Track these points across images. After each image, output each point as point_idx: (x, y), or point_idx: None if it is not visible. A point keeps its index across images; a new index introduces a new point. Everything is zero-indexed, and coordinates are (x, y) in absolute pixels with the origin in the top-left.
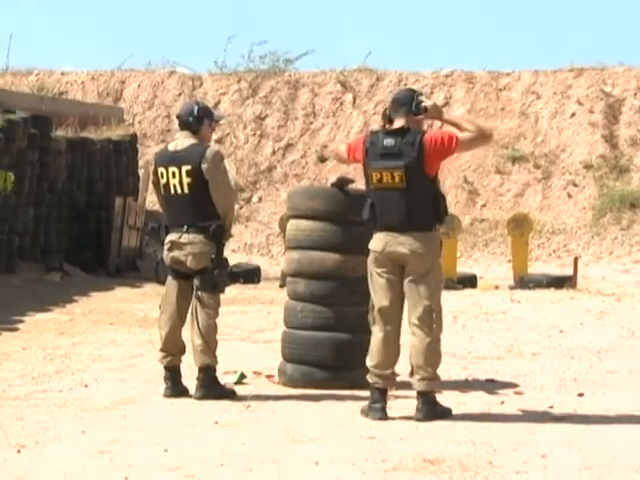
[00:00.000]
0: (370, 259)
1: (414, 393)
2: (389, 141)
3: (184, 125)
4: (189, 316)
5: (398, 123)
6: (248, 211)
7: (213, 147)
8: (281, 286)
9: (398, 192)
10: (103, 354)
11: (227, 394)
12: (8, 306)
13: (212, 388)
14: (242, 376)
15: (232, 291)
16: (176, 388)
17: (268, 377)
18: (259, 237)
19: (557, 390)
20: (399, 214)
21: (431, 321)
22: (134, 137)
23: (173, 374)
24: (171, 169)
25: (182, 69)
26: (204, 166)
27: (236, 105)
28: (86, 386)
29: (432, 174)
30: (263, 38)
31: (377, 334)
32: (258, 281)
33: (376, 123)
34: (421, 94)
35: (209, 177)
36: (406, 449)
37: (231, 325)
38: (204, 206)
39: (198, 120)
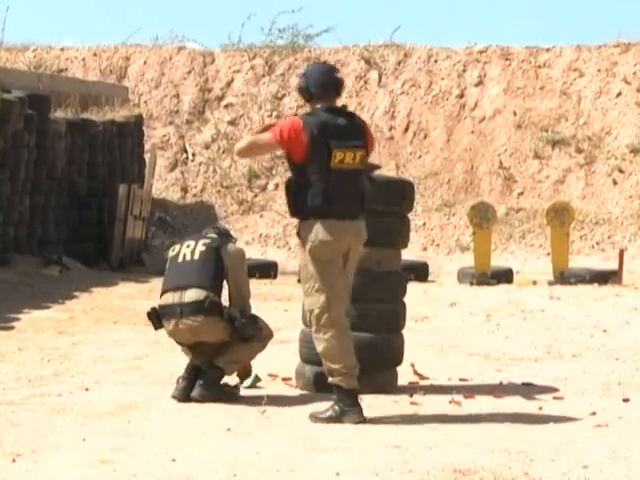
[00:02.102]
0: (330, 251)
1: (441, 399)
2: (341, 120)
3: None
4: None
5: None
6: (263, 199)
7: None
8: (299, 281)
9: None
10: (105, 355)
11: (228, 396)
12: (3, 303)
13: (212, 388)
14: (256, 379)
15: None
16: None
17: (285, 380)
18: (275, 228)
19: (600, 395)
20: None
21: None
22: (139, 118)
23: None
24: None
25: (192, 44)
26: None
27: (250, 84)
28: (87, 390)
29: None
30: (288, 9)
31: (343, 333)
32: (275, 276)
33: (403, 103)
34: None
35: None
36: (435, 458)
37: None
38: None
39: None
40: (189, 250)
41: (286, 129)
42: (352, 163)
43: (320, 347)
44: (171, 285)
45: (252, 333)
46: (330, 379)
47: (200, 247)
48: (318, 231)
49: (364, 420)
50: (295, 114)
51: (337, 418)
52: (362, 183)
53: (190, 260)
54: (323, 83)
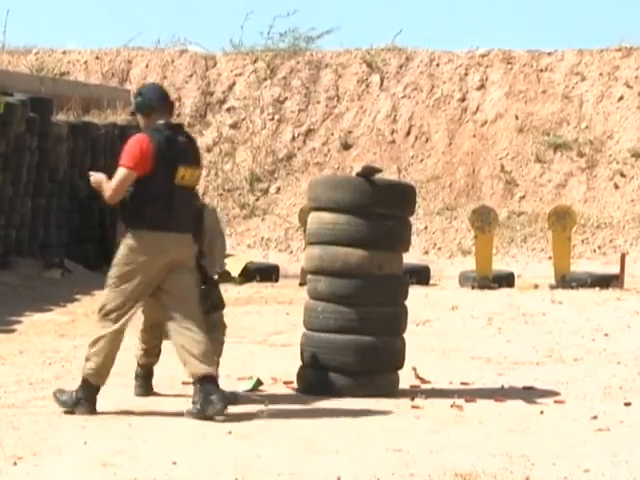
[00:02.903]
0: (159, 265)
1: (443, 402)
2: (182, 138)
3: None
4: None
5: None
6: (265, 203)
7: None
8: (301, 284)
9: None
10: None
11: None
12: (4, 306)
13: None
14: (258, 382)
15: (248, 290)
16: None
17: (286, 383)
18: (277, 231)
19: (602, 399)
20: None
21: None
22: None
23: None
24: None
25: (194, 48)
26: None
27: (253, 87)
28: None
29: None
30: (284, 13)
31: (118, 338)
32: (276, 279)
33: (405, 107)
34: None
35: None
36: (436, 462)
37: (246, 327)
38: None
39: None
40: None
41: (135, 152)
42: (191, 180)
43: (96, 335)
44: None
45: (217, 302)
46: (84, 366)
47: None
48: (148, 241)
49: (90, 412)
50: (297, 117)
51: (70, 404)
52: (196, 200)
53: None
54: (162, 98)
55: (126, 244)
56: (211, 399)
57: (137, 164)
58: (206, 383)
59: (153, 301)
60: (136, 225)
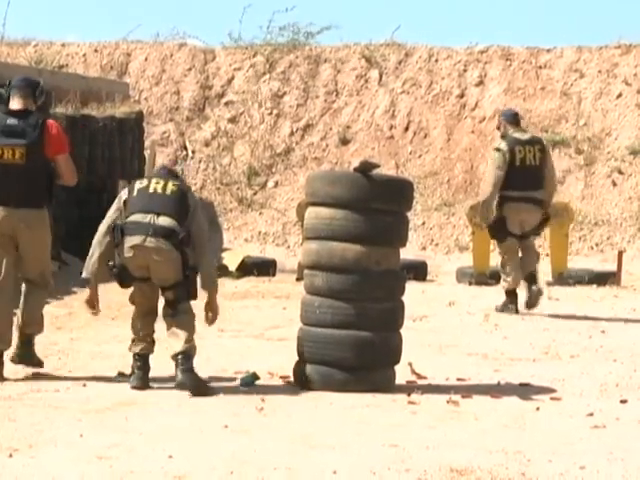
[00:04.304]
0: None
1: (439, 398)
2: (12, 121)
3: None
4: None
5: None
6: (263, 197)
7: None
8: (298, 279)
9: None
10: (104, 351)
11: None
12: None
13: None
14: (255, 377)
15: (245, 284)
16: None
17: (283, 378)
18: (274, 226)
19: (598, 396)
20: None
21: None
22: (140, 115)
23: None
24: None
25: (193, 41)
26: None
27: (251, 81)
28: (85, 385)
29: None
30: (284, 6)
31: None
32: (273, 274)
33: (404, 102)
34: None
35: None
36: (432, 458)
37: (243, 321)
38: None
39: None
40: (160, 186)
41: None
42: (12, 159)
43: None
44: (143, 208)
45: (193, 292)
46: None
47: (171, 186)
48: None
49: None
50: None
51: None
52: (26, 176)
53: (162, 194)
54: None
55: None
56: None
57: None
58: None
59: (146, 287)
60: None
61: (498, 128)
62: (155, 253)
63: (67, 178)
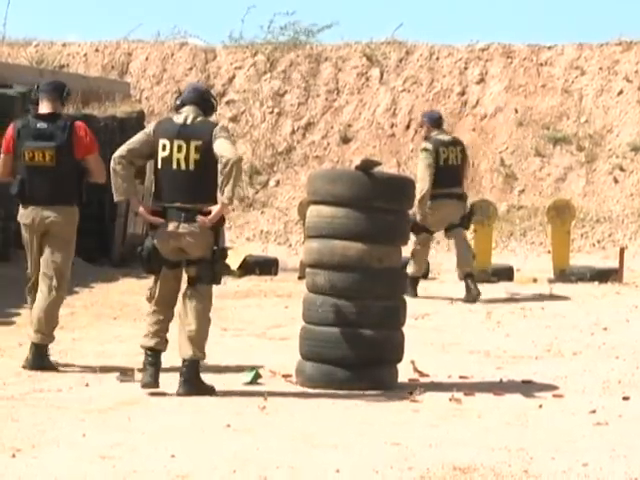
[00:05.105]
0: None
1: (441, 396)
2: (41, 124)
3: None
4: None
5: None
6: (264, 196)
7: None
8: (300, 278)
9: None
10: (106, 351)
11: (208, 391)
12: (3, 298)
13: (195, 384)
14: (257, 375)
15: (247, 283)
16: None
17: (285, 377)
18: (276, 224)
19: (600, 393)
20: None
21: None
22: (141, 114)
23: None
24: (177, 142)
25: (194, 41)
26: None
27: (252, 80)
28: (87, 385)
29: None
30: (285, 8)
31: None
32: (275, 273)
33: (405, 100)
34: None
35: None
36: (434, 456)
37: (245, 320)
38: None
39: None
40: (182, 156)
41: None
42: (43, 161)
43: None
44: (169, 201)
45: (221, 270)
46: None
47: (193, 154)
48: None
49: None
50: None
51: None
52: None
53: (186, 170)
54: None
55: None
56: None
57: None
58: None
59: (172, 275)
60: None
61: (421, 127)
62: (190, 236)
63: (97, 176)
